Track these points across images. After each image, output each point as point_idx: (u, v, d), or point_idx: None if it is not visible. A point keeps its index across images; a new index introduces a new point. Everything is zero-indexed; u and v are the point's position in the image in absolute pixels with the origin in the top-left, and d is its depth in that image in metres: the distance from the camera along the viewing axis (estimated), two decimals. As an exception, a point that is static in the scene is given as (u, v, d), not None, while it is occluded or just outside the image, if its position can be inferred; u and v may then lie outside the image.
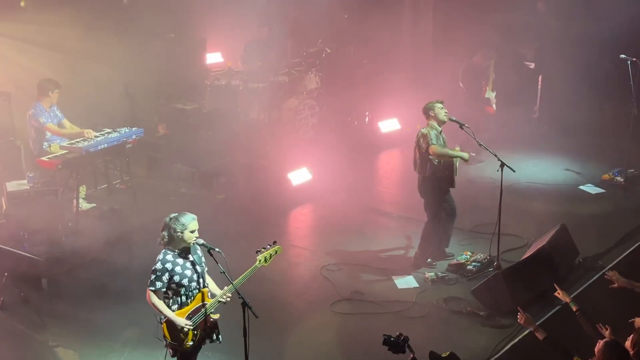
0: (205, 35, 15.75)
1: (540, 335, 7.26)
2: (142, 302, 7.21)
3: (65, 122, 11.31)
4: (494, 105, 14.52)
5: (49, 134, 11.05)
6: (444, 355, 6.25)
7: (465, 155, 10.21)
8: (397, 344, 6.11)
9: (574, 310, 7.57)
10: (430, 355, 6.25)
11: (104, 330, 9.00)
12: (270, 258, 7.35)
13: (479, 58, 14.59)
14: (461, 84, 14.68)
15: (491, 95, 14.50)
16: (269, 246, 7.40)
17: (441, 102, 10.26)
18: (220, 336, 7.37)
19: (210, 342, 7.33)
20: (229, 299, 7.13)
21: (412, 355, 6.16)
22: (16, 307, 9.52)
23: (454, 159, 10.17)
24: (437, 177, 10.18)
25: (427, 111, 10.25)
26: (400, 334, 6.17)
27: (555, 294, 8.00)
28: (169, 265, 7.02)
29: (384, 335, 6.16)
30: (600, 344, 6.51)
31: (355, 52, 16.55)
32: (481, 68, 14.57)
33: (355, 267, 10.59)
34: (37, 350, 8.76)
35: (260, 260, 7.28)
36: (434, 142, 10.00)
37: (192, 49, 15.43)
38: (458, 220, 10.97)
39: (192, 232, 7.05)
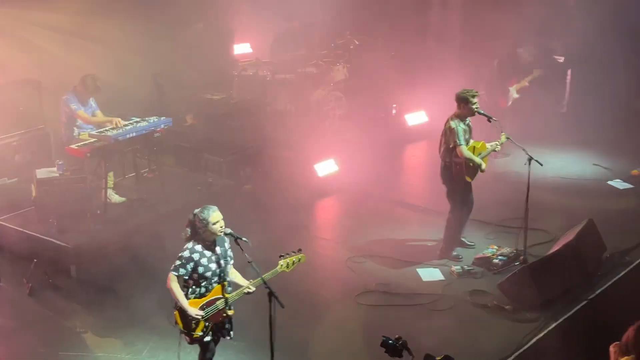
0: (233, 25, 15.80)
1: None
2: (168, 291, 7.26)
3: (99, 113, 11.34)
4: (509, 102, 14.35)
5: (79, 121, 11.11)
6: (438, 358, 6.14)
7: (483, 165, 10.17)
8: (394, 348, 6.00)
9: None
10: (425, 358, 6.14)
11: (131, 317, 9.09)
12: (292, 265, 7.35)
13: (523, 52, 14.47)
14: (496, 67, 14.51)
15: (514, 92, 14.38)
16: (293, 253, 7.41)
17: (475, 94, 10.14)
18: (232, 333, 7.42)
19: (222, 337, 7.38)
20: (252, 290, 7.16)
21: (412, 358, 6.07)
22: (45, 293, 9.64)
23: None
24: (458, 168, 10.16)
25: (461, 101, 10.12)
26: (399, 337, 6.04)
27: None
28: (196, 256, 7.06)
29: (383, 336, 6.06)
30: (630, 329, 6.44)
31: (383, 44, 16.53)
32: (520, 62, 14.46)
33: (380, 259, 10.60)
34: (65, 336, 8.84)
35: (281, 265, 7.28)
36: (462, 142, 9.97)
37: (220, 39, 15.50)
38: (485, 214, 10.95)
39: (215, 223, 7.07)
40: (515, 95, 14.39)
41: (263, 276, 7.05)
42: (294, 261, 7.37)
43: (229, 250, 7.31)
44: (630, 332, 6.32)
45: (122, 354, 8.50)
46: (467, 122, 10.18)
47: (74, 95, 11.03)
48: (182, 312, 7.11)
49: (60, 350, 8.53)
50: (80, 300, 9.51)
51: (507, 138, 10.27)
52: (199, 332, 7.16)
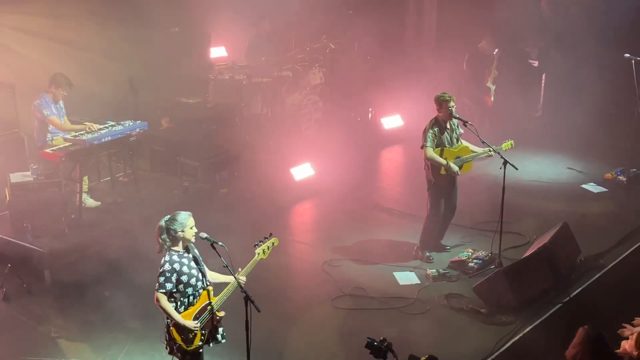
0: (209, 29, 15.76)
1: None
2: (144, 295, 7.26)
3: (65, 119, 11.28)
4: (492, 98, 14.56)
5: (52, 126, 11.02)
6: (422, 358, 6.20)
7: (454, 168, 10.21)
8: (379, 349, 6.05)
9: None
10: (409, 359, 6.20)
11: (106, 322, 9.03)
12: (268, 250, 7.43)
13: (485, 44, 14.67)
14: (465, 68, 14.63)
15: (491, 86, 14.55)
16: (265, 239, 7.48)
17: (451, 98, 10.20)
18: (224, 335, 7.37)
19: (216, 343, 7.31)
20: (243, 280, 7.12)
21: (395, 359, 6.11)
22: (19, 298, 9.55)
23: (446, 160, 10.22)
24: (427, 169, 10.29)
25: (437, 103, 10.23)
26: (384, 339, 6.09)
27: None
28: (176, 266, 6.98)
29: (368, 338, 6.11)
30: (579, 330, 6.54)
31: (359, 48, 16.56)
32: (486, 55, 14.62)
33: (356, 263, 10.62)
34: (39, 342, 8.77)
35: (258, 254, 7.33)
36: (428, 144, 10.09)
37: (196, 42, 15.46)
38: (460, 218, 11.00)
39: (191, 228, 7.05)
40: (492, 87, 14.49)
41: (244, 268, 7.16)
42: (268, 246, 7.44)
43: (199, 255, 7.28)
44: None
45: (97, 358, 8.44)
46: (449, 124, 10.24)
47: (46, 100, 10.92)
48: (179, 327, 7.02)
49: (34, 355, 8.45)
50: (55, 305, 9.43)
51: (484, 141, 10.31)
52: (197, 343, 7.08)
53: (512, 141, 10.65)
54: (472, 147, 10.44)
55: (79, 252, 10.15)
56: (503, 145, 10.51)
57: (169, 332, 7.07)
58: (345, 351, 8.70)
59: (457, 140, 10.37)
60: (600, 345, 6.39)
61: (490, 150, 10.36)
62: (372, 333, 7.32)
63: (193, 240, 7.08)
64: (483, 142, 10.34)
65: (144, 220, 10.63)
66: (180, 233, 7.00)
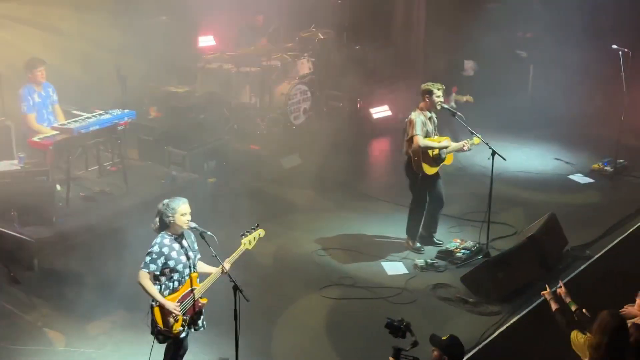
0: (197, 18, 15.71)
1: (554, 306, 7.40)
2: (132, 284, 7.24)
3: (57, 107, 11.27)
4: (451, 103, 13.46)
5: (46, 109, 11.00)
6: (444, 338, 6.37)
7: (447, 148, 10.18)
8: (398, 329, 6.23)
9: (573, 310, 7.43)
10: (430, 338, 6.36)
11: (93, 312, 8.98)
12: (254, 241, 7.44)
13: (468, 65, 14.16)
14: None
15: (453, 98, 13.70)
16: (252, 229, 7.48)
17: (440, 88, 10.14)
18: (205, 323, 7.41)
19: (196, 329, 7.36)
20: (227, 269, 7.11)
21: (414, 339, 6.25)
22: (5, 287, 9.50)
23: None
24: (416, 159, 10.19)
25: (424, 94, 10.15)
26: (403, 320, 6.27)
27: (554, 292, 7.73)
28: (165, 250, 7.02)
29: (387, 318, 6.29)
30: (602, 313, 6.59)
31: (348, 37, 16.53)
32: (462, 73, 14.14)
33: (345, 253, 10.62)
34: (25, 331, 8.73)
35: (244, 244, 7.34)
36: (418, 132, 10.00)
37: (184, 31, 15.41)
38: (448, 208, 11.01)
39: (183, 215, 7.04)
40: (453, 105, 13.40)
41: (229, 258, 7.16)
42: (255, 237, 7.45)
43: (195, 243, 7.30)
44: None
45: (84, 348, 8.42)
46: (430, 115, 10.21)
47: (28, 90, 10.93)
48: (162, 309, 7.04)
49: (21, 344, 8.42)
50: (42, 294, 9.40)
51: (473, 132, 10.29)
52: (178, 327, 7.11)
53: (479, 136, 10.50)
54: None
55: (67, 241, 10.10)
56: (474, 139, 10.46)
57: (152, 313, 7.09)
58: (333, 340, 8.72)
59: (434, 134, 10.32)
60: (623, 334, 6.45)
61: (466, 144, 10.31)
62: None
63: (185, 227, 7.08)
64: (472, 134, 10.34)
65: (132, 210, 10.62)
66: (170, 218, 7.02)
